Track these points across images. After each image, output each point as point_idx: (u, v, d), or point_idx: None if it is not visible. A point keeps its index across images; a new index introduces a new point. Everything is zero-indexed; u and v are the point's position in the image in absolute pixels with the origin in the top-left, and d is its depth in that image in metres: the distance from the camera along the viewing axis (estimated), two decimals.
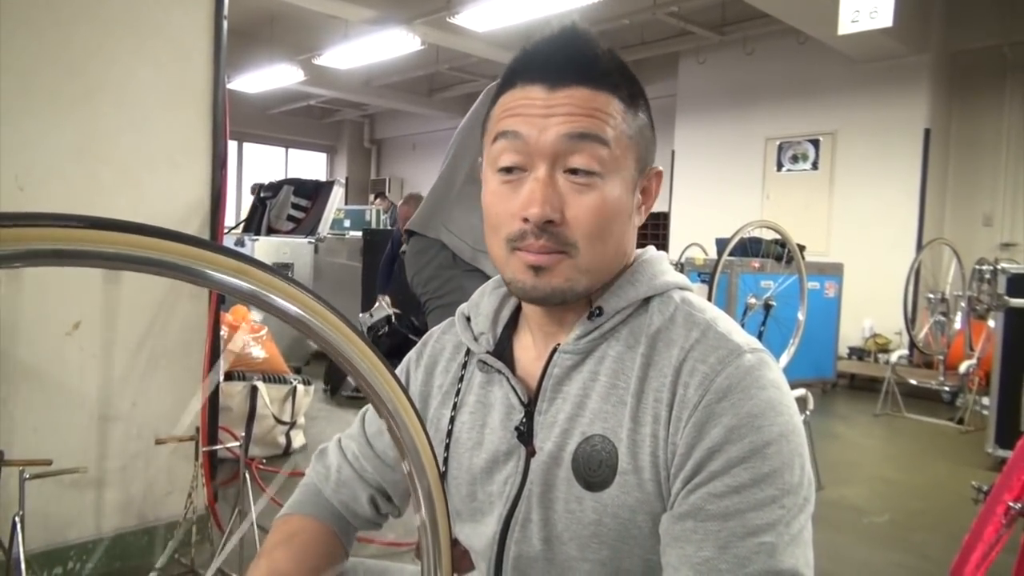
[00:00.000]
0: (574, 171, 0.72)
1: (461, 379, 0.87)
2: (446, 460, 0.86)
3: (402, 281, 2.45)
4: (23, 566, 1.61)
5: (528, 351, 0.84)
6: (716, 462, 0.67)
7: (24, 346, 1.91)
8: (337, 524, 0.91)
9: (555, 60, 0.74)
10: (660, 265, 0.82)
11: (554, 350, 0.79)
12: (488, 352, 0.85)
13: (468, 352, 0.88)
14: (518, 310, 0.87)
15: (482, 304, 0.88)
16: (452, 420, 0.86)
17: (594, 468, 0.74)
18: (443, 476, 0.84)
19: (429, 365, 0.92)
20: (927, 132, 6.42)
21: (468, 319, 0.89)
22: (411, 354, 0.96)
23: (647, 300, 0.79)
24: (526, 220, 0.72)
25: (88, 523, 2.04)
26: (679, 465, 0.70)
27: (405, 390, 0.57)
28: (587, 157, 0.71)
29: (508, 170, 0.74)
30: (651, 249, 0.85)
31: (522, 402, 0.80)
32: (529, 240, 0.73)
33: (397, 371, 0.91)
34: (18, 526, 1.63)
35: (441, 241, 1.89)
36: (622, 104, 0.74)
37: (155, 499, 2.16)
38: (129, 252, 0.44)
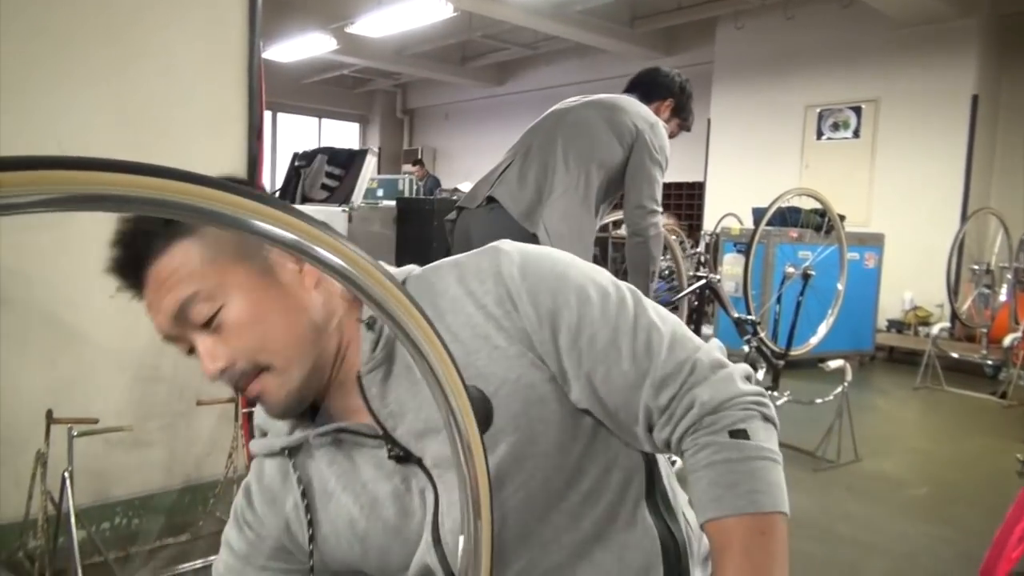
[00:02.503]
0: (204, 325, 0.77)
1: (299, 480, 0.86)
2: (312, 552, 0.86)
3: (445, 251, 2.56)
4: (73, 520, 1.67)
5: (342, 411, 0.85)
6: (563, 319, 0.79)
7: (69, 310, 1.95)
8: None
9: (124, 269, 0.78)
10: (382, 264, 0.85)
11: (358, 377, 0.81)
12: (315, 430, 0.84)
13: (291, 453, 0.86)
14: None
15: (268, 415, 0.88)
16: (311, 524, 0.85)
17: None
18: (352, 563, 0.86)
19: (269, 499, 0.89)
20: (975, 98, 6.21)
21: (264, 434, 0.89)
22: (240, 505, 0.92)
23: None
24: (213, 379, 0.78)
25: (133, 480, 2.10)
26: (542, 341, 0.79)
27: (444, 342, 0.57)
28: (197, 311, 0.76)
29: (191, 351, 0.80)
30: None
31: (375, 435, 0.81)
32: (235, 387, 0.79)
33: (235, 522, 0.92)
34: (67, 482, 1.69)
35: (532, 235, 2.22)
36: (187, 240, 0.77)
37: (196, 459, 2.22)
38: (176, 199, 0.44)
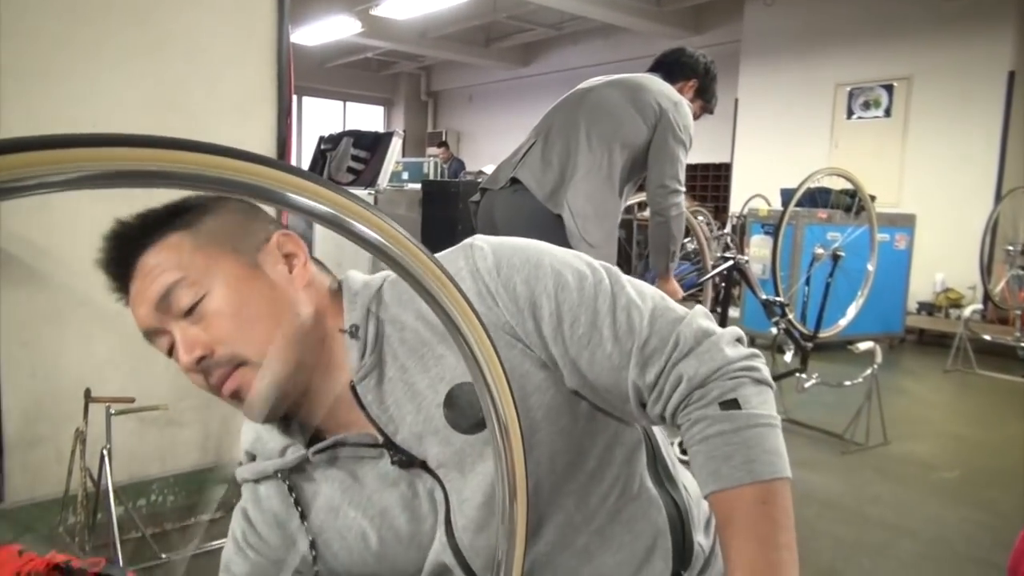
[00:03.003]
0: (188, 313, 0.77)
1: (296, 502, 0.85)
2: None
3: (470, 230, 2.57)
4: (112, 496, 1.71)
5: (333, 425, 0.84)
6: (543, 308, 0.79)
7: (104, 290, 1.99)
8: None
9: (112, 258, 0.80)
10: (356, 275, 0.87)
11: (352, 388, 0.80)
12: (308, 446, 0.83)
13: (286, 475, 0.85)
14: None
15: (261, 434, 0.87)
16: (312, 545, 0.84)
17: (470, 411, 0.77)
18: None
19: (272, 518, 0.88)
20: (1011, 75, 6.05)
21: (253, 458, 0.88)
22: (236, 525, 0.91)
23: (378, 291, 0.83)
24: (188, 369, 0.77)
25: (168, 458, 2.14)
26: (526, 332, 0.79)
27: (479, 316, 0.57)
28: (179, 298, 0.76)
29: (170, 352, 0.79)
30: (333, 277, 0.88)
31: (378, 444, 0.81)
32: (210, 380, 0.77)
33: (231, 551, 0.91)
34: (106, 459, 1.73)
35: (557, 216, 2.23)
36: (178, 232, 0.79)
37: (230, 439, 2.26)
38: (219, 175, 0.45)
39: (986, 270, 4.91)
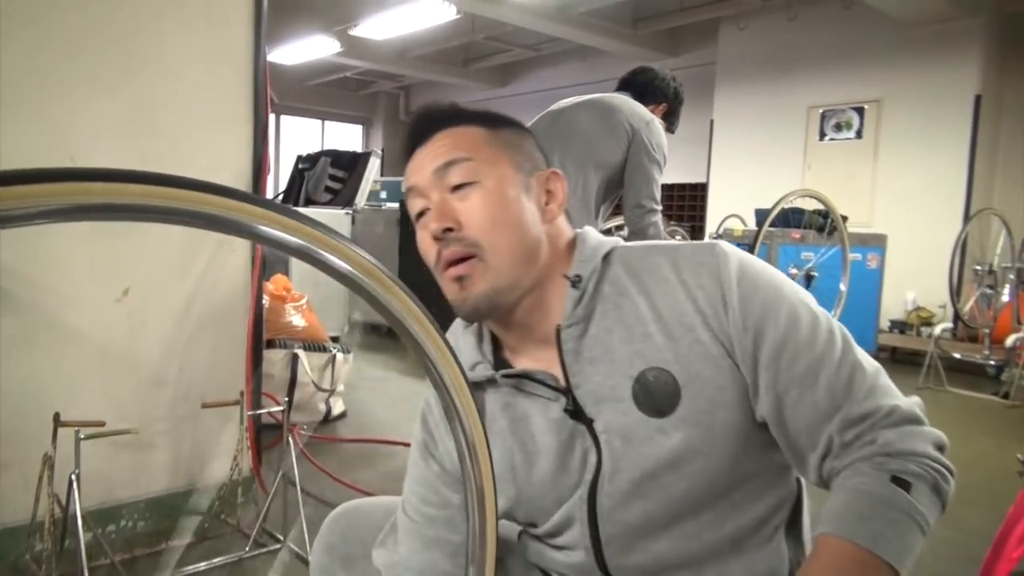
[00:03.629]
0: (456, 187, 0.85)
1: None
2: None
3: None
4: (80, 522, 1.68)
5: (524, 360, 0.91)
6: (769, 337, 0.80)
7: (77, 312, 1.96)
8: None
9: (418, 128, 0.90)
10: (595, 233, 0.93)
11: (557, 331, 0.86)
12: (495, 369, 0.90)
13: (471, 388, 0.90)
14: (495, 340, 0.94)
15: (460, 344, 0.94)
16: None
17: (657, 396, 0.81)
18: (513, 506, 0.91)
19: (439, 437, 0.94)
20: (978, 98, 6.21)
21: None
22: (418, 438, 0.98)
23: (607, 257, 0.89)
24: (434, 236, 0.84)
25: (139, 483, 2.11)
26: (743, 349, 0.81)
27: (450, 346, 0.58)
28: (459, 173, 0.85)
29: (420, 215, 0.88)
30: (576, 230, 0.94)
31: (555, 388, 0.86)
32: (443, 253, 0.84)
33: (415, 450, 0.97)
34: (74, 484, 1.70)
35: None
36: (480, 127, 0.89)
37: (201, 461, 2.23)
38: (186, 207, 0.45)
39: (955, 289, 5.00)
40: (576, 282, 0.86)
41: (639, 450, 0.82)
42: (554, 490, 0.88)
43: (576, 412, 0.85)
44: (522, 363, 0.90)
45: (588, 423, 0.85)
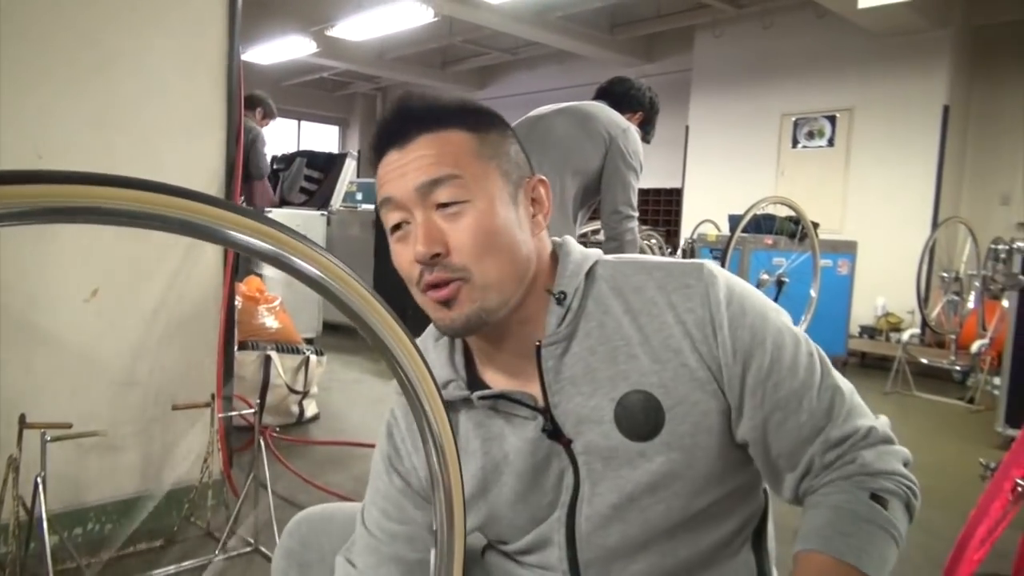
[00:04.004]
0: (443, 205, 0.79)
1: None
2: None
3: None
4: (45, 525, 1.66)
5: (499, 377, 0.88)
6: (756, 359, 0.80)
7: (44, 313, 1.94)
8: None
9: (397, 124, 0.82)
10: (575, 244, 0.90)
11: (538, 348, 0.83)
12: (468, 389, 0.86)
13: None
14: (469, 358, 0.91)
15: (431, 359, 0.89)
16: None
17: (640, 420, 0.80)
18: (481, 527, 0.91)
19: (416, 444, 0.91)
20: (946, 109, 6.33)
21: None
22: (383, 446, 0.96)
23: (588, 272, 0.86)
24: (419, 260, 0.79)
25: (107, 485, 2.08)
26: (730, 374, 0.80)
27: (421, 352, 0.58)
28: (447, 191, 0.79)
29: (397, 227, 0.82)
30: (555, 238, 0.91)
31: (535, 408, 0.84)
32: (426, 277, 0.79)
33: (379, 463, 0.95)
34: (40, 487, 1.67)
35: None
36: (468, 133, 0.81)
37: (172, 463, 2.20)
38: (155, 211, 0.45)
39: (923, 296, 5.09)
40: (561, 299, 0.83)
41: (618, 473, 0.81)
42: (526, 509, 0.87)
43: (554, 432, 0.83)
44: (495, 377, 0.88)
45: (566, 444, 0.83)
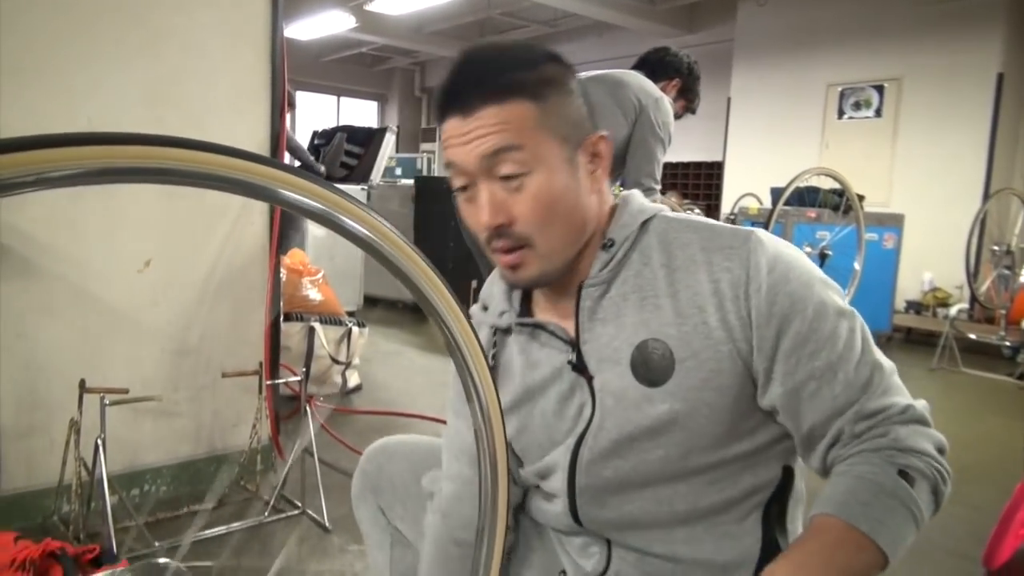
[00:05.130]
0: (505, 178, 0.83)
1: (494, 357, 0.97)
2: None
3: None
4: (106, 485, 1.74)
5: (548, 311, 0.95)
6: (794, 328, 0.81)
7: (99, 283, 2.01)
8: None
9: (460, 91, 0.85)
10: (639, 198, 0.94)
11: (579, 288, 0.89)
12: (519, 318, 0.95)
13: (496, 332, 0.98)
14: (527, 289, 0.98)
15: (494, 291, 1.00)
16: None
17: (652, 367, 0.84)
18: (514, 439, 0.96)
19: None
20: (1000, 76, 6.10)
21: (485, 308, 1.00)
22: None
23: (644, 224, 0.90)
24: (485, 229, 0.85)
25: (162, 449, 2.17)
26: (762, 336, 0.82)
27: (468, 315, 0.60)
28: (509, 164, 0.82)
29: (463, 188, 0.87)
30: (623, 191, 0.95)
31: (566, 340, 0.90)
32: (494, 243, 0.86)
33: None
34: (100, 448, 1.75)
35: None
36: (531, 103, 0.83)
37: (222, 429, 2.28)
38: (213, 171, 0.47)
39: (972, 270, 4.96)
40: (607, 245, 0.89)
41: (625, 414, 0.86)
42: (547, 431, 0.93)
43: (579, 367, 0.89)
44: (544, 313, 0.95)
45: (588, 378, 0.88)
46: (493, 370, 0.95)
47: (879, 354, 0.84)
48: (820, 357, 0.81)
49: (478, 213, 0.85)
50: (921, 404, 0.83)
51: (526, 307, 0.97)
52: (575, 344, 0.90)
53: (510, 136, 0.81)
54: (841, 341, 0.82)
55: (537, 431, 0.94)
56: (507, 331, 0.97)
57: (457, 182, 0.87)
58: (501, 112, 0.82)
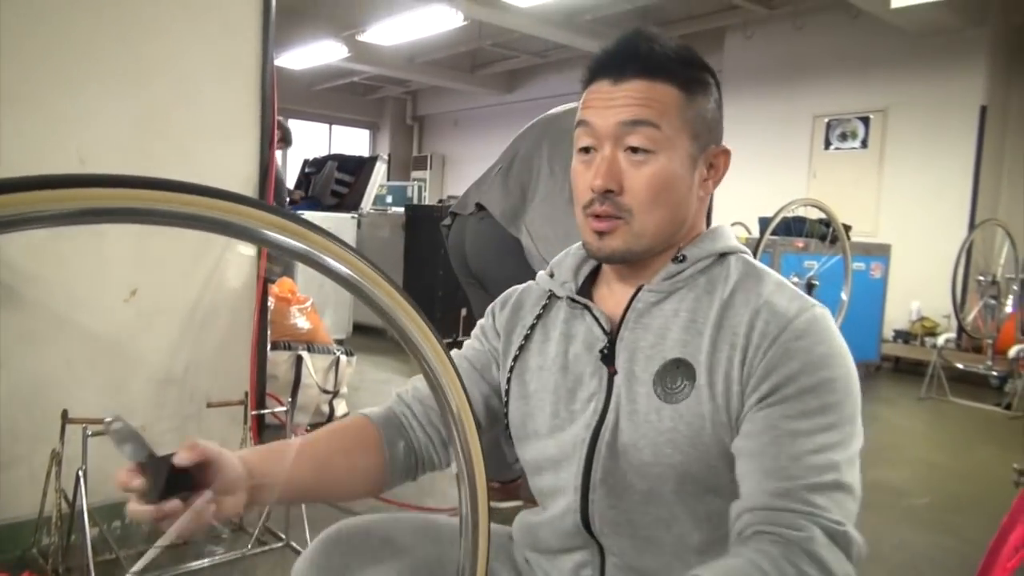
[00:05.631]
0: (633, 149, 0.87)
1: (539, 317, 1.00)
2: (509, 381, 1.00)
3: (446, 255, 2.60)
4: (86, 517, 1.71)
5: (606, 299, 0.97)
6: (790, 387, 0.80)
7: (84, 312, 2.00)
8: (387, 433, 0.97)
9: (617, 58, 0.90)
10: (731, 233, 0.97)
11: (638, 289, 0.92)
12: (572, 293, 0.98)
13: (551, 297, 1.01)
14: (597, 269, 1.01)
15: (566, 260, 1.02)
16: (521, 348, 0.99)
17: (674, 384, 0.85)
18: (516, 397, 0.99)
19: (516, 306, 1.05)
20: (983, 109, 6.21)
21: (551, 275, 1.02)
22: (498, 299, 1.09)
23: (723, 256, 0.92)
24: (593, 190, 0.88)
25: None
26: (754, 386, 0.81)
27: (447, 350, 0.60)
28: (641, 137, 0.86)
29: (584, 150, 0.91)
30: (722, 224, 0.99)
31: (604, 330, 0.92)
32: (595, 206, 0.89)
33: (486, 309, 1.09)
34: (82, 480, 1.73)
35: (519, 240, 2.24)
36: (678, 91, 0.88)
37: None
38: (194, 212, 0.47)
39: (959, 300, 5.00)
40: (679, 259, 0.91)
41: (633, 417, 0.87)
42: (558, 402, 0.94)
43: (608, 357, 0.90)
44: (603, 293, 0.97)
45: (612, 372, 0.90)
46: (534, 326, 1.00)
47: (850, 475, 0.78)
48: (790, 424, 0.78)
49: (591, 174, 0.88)
50: (858, 536, 0.75)
51: (587, 288, 0.99)
52: (613, 337, 0.91)
53: (652, 112, 0.86)
54: (823, 435, 0.77)
55: (547, 397, 0.95)
56: (559, 297, 1.00)
57: (582, 141, 0.90)
58: (651, 88, 0.87)
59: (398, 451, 0.96)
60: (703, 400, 0.83)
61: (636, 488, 0.87)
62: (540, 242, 2.22)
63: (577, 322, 0.96)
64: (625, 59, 0.89)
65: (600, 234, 0.89)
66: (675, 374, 0.86)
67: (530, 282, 1.07)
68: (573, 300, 0.97)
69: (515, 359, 1.00)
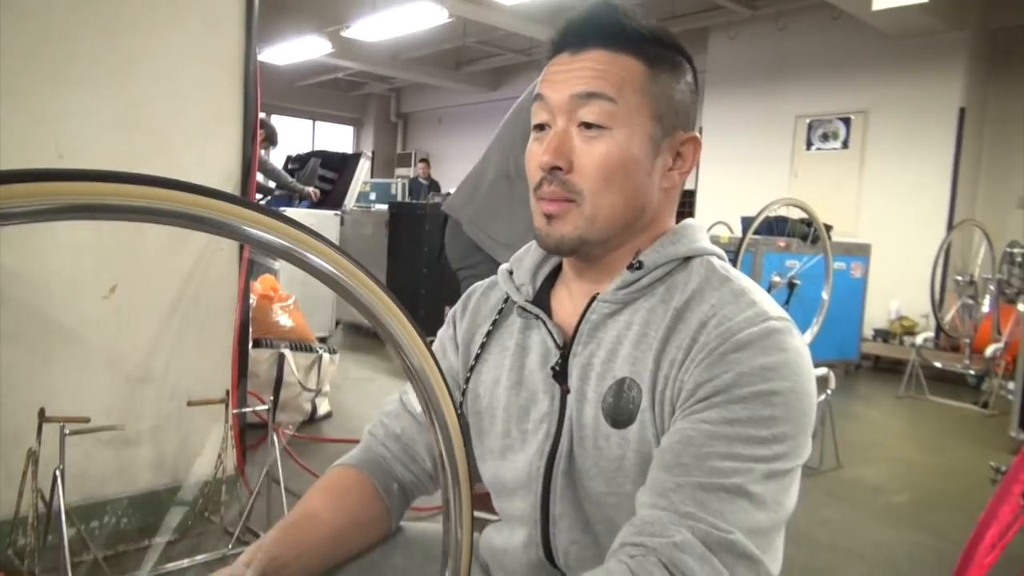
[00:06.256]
0: (587, 125, 0.79)
1: (494, 323, 0.93)
2: (464, 394, 0.93)
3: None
4: (63, 517, 1.69)
5: (564, 304, 0.89)
6: (718, 397, 0.71)
7: (63, 309, 1.97)
8: (381, 480, 0.93)
9: (577, 28, 0.82)
10: (700, 232, 0.87)
11: (593, 298, 0.84)
12: (527, 301, 0.90)
13: (507, 300, 0.94)
14: (558, 269, 0.93)
15: (525, 259, 0.94)
16: (478, 358, 0.93)
17: (621, 407, 0.79)
18: (470, 413, 0.93)
19: (474, 312, 0.98)
20: (962, 111, 6.29)
21: (511, 273, 0.95)
22: (457, 304, 1.02)
23: (687, 260, 0.83)
24: (541, 168, 0.81)
25: (123, 480, 2.12)
26: (683, 400, 0.74)
27: (430, 347, 0.59)
28: (595, 112, 0.79)
29: (539, 127, 0.83)
30: (691, 220, 0.90)
31: (557, 344, 0.85)
32: (543, 187, 0.81)
33: (446, 317, 1.01)
34: (58, 479, 1.70)
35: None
36: (642, 64, 0.80)
37: (186, 459, 2.24)
38: (172, 208, 0.46)
39: (937, 300, 5.06)
40: (635, 266, 0.82)
41: (582, 443, 0.81)
42: (510, 420, 0.88)
43: (561, 374, 0.84)
44: (560, 300, 0.90)
45: (564, 391, 0.83)
46: (490, 335, 0.93)
47: (765, 487, 0.69)
48: (707, 427, 0.70)
49: (541, 152, 0.81)
50: (755, 551, 0.66)
51: (547, 289, 0.92)
52: (567, 352, 0.84)
53: (609, 85, 0.78)
54: (743, 445, 0.69)
55: (498, 414, 0.90)
56: (510, 305, 0.93)
57: (538, 117, 0.83)
58: (611, 60, 0.79)
59: (395, 495, 0.94)
60: (647, 424, 0.76)
61: (597, 518, 0.82)
62: (483, 222, 2.17)
63: (533, 332, 0.89)
64: (587, 29, 0.81)
65: (549, 218, 0.81)
66: (623, 395, 0.78)
67: (493, 277, 0.99)
68: (525, 311, 0.89)
69: (471, 370, 0.93)
